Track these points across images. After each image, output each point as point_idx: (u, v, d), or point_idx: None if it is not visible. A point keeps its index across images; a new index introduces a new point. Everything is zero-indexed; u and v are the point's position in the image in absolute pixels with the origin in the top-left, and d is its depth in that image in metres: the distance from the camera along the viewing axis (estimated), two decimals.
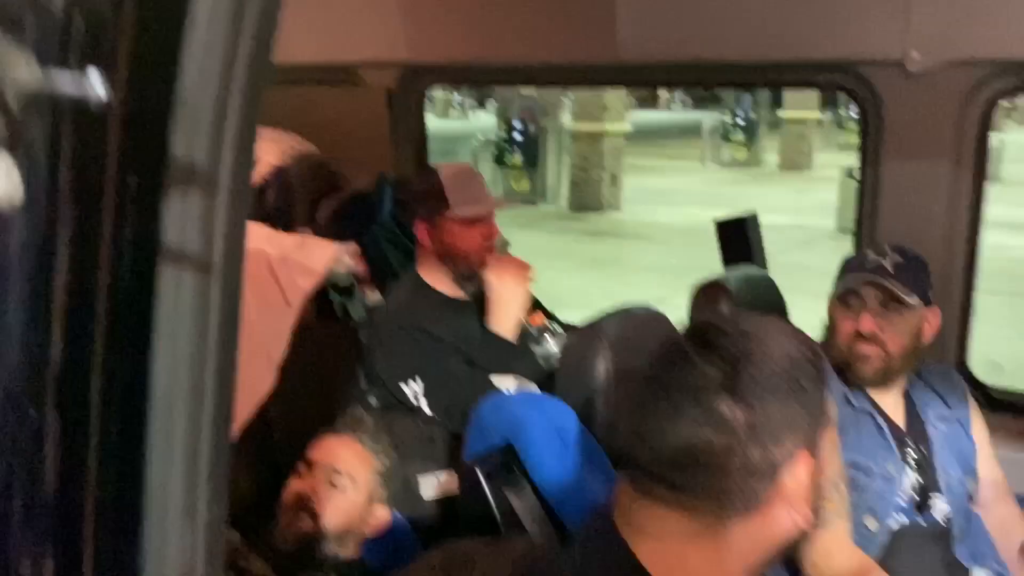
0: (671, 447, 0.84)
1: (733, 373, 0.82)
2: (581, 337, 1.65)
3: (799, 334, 0.91)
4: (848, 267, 1.75)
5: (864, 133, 2.01)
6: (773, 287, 1.95)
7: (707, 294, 1.82)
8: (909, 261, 1.69)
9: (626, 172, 13.63)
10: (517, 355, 2.02)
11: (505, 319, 2.02)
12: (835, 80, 1.98)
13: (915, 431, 1.75)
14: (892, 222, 1.96)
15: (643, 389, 0.88)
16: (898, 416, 1.75)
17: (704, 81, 2.86)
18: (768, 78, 2.12)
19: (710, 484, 0.83)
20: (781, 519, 0.86)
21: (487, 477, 1.32)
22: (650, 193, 14.47)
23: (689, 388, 0.84)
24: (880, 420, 1.71)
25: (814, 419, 0.86)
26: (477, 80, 2.99)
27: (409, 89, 2.61)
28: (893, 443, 1.69)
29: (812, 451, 0.86)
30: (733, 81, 2.81)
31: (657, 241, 10.78)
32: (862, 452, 1.67)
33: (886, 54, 1.81)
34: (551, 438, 1.38)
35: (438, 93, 32.03)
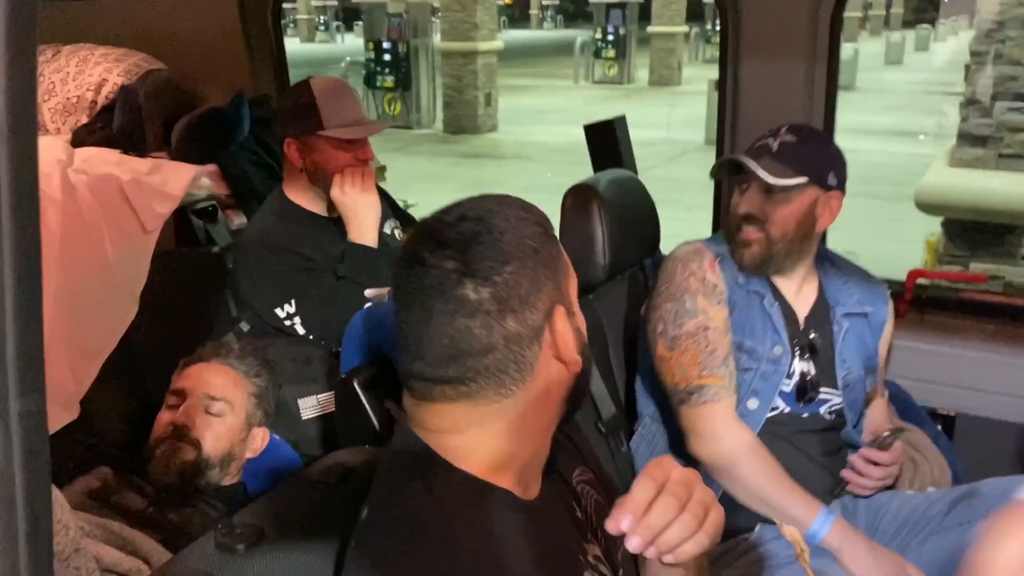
0: (436, 347, 0.87)
1: (466, 258, 0.86)
2: None
3: (518, 201, 0.94)
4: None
5: (723, 37, 2.04)
6: (640, 187, 1.98)
7: (577, 197, 1.82)
8: (804, 140, 1.63)
9: (501, 92, 13.52)
10: (382, 262, 1.99)
11: (362, 229, 1.97)
12: None
13: (817, 320, 1.71)
14: (751, 124, 2.01)
15: (395, 304, 0.91)
16: (801, 303, 1.72)
17: None
18: None
19: (483, 366, 0.87)
20: (557, 373, 0.91)
21: (364, 388, 1.30)
22: (526, 113, 14.44)
23: (432, 287, 0.86)
24: (770, 303, 1.68)
25: (554, 273, 0.91)
26: None
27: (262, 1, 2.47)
28: (783, 328, 1.67)
29: (563, 302, 0.91)
30: None
31: (536, 160, 10.81)
32: (748, 334, 1.66)
33: None
34: None
35: (302, 16, 30.75)
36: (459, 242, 0.87)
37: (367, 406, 1.28)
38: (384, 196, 2.21)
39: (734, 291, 1.68)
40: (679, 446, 1.68)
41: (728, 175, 1.76)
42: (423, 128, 13.37)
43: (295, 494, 1.11)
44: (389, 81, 13.10)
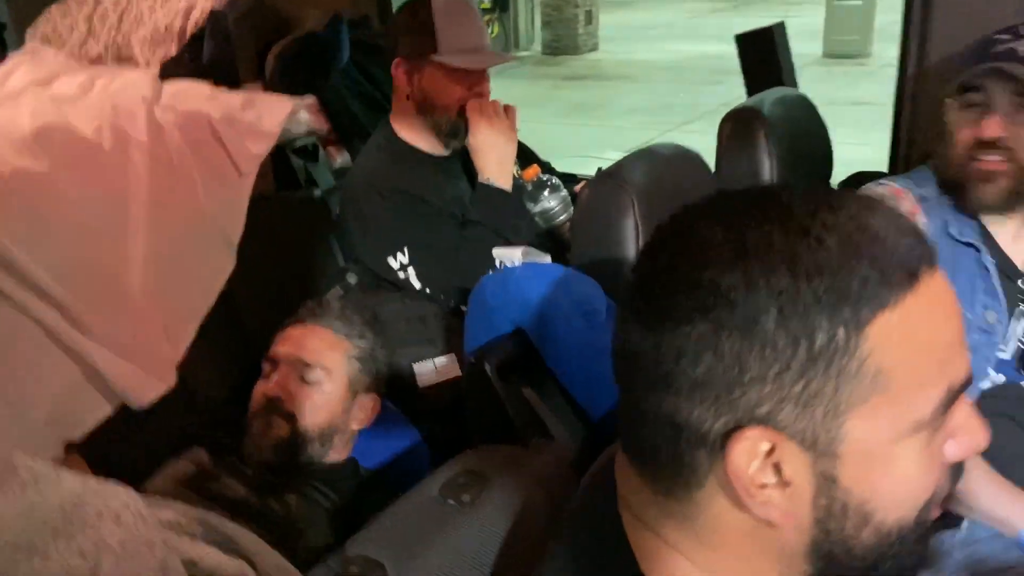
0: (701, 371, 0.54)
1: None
2: (598, 189, 1.34)
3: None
4: (967, 56, 1.33)
5: None
6: (811, 108, 1.64)
7: (739, 123, 1.51)
8: None
9: (601, 9, 12.91)
10: (519, 209, 1.75)
11: (498, 168, 1.73)
12: None
13: None
14: (950, 27, 1.62)
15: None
16: (1019, 250, 1.40)
17: None
18: None
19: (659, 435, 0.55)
20: (729, 519, 0.56)
21: (497, 372, 1.06)
22: (628, 30, 13.78)
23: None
24: (988, 257, 1.36)
25: (803, 372, 0.51)
26: None
27: None
28: (1000, 286, 1.36)
29: (752, 422, 0.52)
30: None
31: (640, 81, 10.29)
32: (958, 294, 1.35)
33: None
34: (574, 319, 1.11)
35: None
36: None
37: (502, 396, 1.04)
38: None
39: (941, 244, 1.35)
40: None
41: (958, 95, 1.37)
42: (521, 50, 12.91)
43: (421, 513, 0.90)
44: (486, 2, 12.65)
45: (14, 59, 2.17)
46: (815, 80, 8.60)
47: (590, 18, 12.41)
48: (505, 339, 1.14)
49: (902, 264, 0.52)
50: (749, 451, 0.52)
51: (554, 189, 1.86)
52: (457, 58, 1.69)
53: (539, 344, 1.10)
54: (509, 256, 1.52)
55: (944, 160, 1.37)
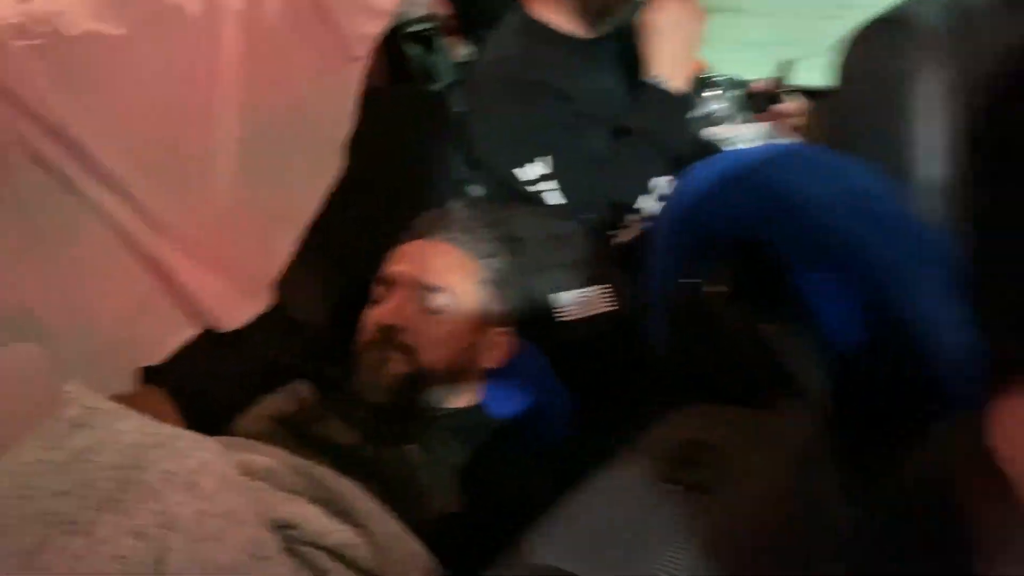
0: None
1: None
2: (874, 41, 0.94)
3: None
4: None
5: None
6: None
7: (882, 35, 1.10)
8: None
9: None
10: (690, 118, 1.43)
11: (672, 63, 1.40)
12: None
13: None
14: None
15: None
16: None
17: None
18: None
19: None
20: None
21: (724, 302, 0.74)
22: None
23: None
24: None
25: None
26: None
27: None
28: None
29: None
30: None
31: (752, 13, 9.63)
32: None
33: None
34: (851, 221, 0.76)
35: None
36: None
37: (724, 335, 0.73)
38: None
39: None
40: None
41: None
42: None
43: (630, 503, 0.60)
44: None
45: None
46: None
47: None
48: (724, 257, 0.81)
49: None
50: None
51: (722, 90, 1.52)
52: None
53: (790, 262, 0.77)
54: (725, 136, 1.19)
55: None
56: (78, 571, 0.57)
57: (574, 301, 1.31)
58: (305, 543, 0.93)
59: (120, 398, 1.17)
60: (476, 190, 1.52)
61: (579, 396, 1.27)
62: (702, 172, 0.88)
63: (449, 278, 1.18)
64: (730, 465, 0.61)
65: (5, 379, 0.76)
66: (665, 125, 1.40)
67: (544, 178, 1.40)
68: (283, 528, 0.93)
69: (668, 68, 1.41)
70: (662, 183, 1.40)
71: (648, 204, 1.41)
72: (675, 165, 1.38)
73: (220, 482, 0.64)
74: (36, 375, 0.78)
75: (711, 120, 1.56)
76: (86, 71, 1.15)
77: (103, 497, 0.59)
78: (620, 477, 0.65)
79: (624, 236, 1.44)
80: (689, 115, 1.45)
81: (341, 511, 0.97)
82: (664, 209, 0.94)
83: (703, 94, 1.57)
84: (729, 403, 0.70)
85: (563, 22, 1.49)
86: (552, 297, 1.32)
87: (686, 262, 0.82)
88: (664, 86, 1.41)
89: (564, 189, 1.40)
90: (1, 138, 1.08)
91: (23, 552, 0.57)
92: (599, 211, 1.42)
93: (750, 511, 0.59)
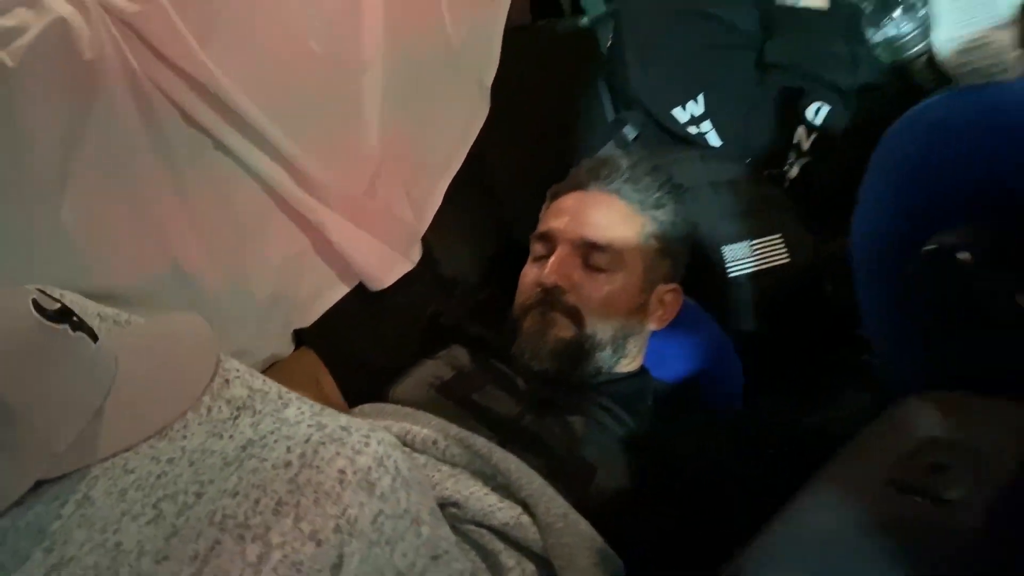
0: None
1: None
2: None
3: None
4: None
5: None
6: None
7: None
8: None
9: None
10: (847, 39, 1.26)
11: None
12: None
13: None
14: None
15: None
16: None
17: None
18: None
19: None
20: None
21: (977, 275, 0.62)
22: None
23: None
24: None
25: None
26: None
27: None
28: None
29: None
30: None
31: None
32: None
33: None
34: None
35: None
36: None
37: (976, 303, 0.61)
38: None
39: None
40: None
41: None
42: None
43: (858, 512, 0.51)
44: None
45: None
46: None
47: None
48: (970, 216, 0.68)
49: None
50: None
51: (908, 7, 1.33)
52: None
53: None
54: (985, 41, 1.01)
55: None
56: None
57: (745, 254, 1.20)
58: (470, 522, 0.88)
59: (276, 364, 1.15)
60: (630, 132, 1.41)
61: (753, 360, 1.16)
62: (937, 110, 0.74)
63: (615, 233, 1.08)
64: (985, 470, 0.50)
65: (170, 349, 0.73)
66: (807, 54, 1.23)
67: (699, 119, 1.28)
68: (447, 506, 0.88)
69: None
70: (816, 112, 1.24)
71: (804, 138, 1.27)
72: (834, 89, 1.23)
73: (395, 479, 0.59)
74: (200, 346, 0.74)
75: (895, 44, 1.38)
76: (230, 21, 1.10)
77: (277, 501, 0.54)
78: (847, 486, 0.56)
79: (790, 175, 1.31)
80: (838, 33, 1.26)
81: (505, 487, 0.91)
82: (880, 155, 0.80)
83: (890, 12, 1.38)
84: (979, 393, 0.58)
85: None
86: (722, 250, 1.21)
87: (917, 222, 0.70)
88: (800, 4, 1.24)
89: (720, 129, 1.28)
90: (148, 95, 1.05)
91: (197, 557, 0.53)
92: (759, 151, 1.28)
93: (1010, 532, 0.49)
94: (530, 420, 1.00)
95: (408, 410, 0.99)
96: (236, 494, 0.55)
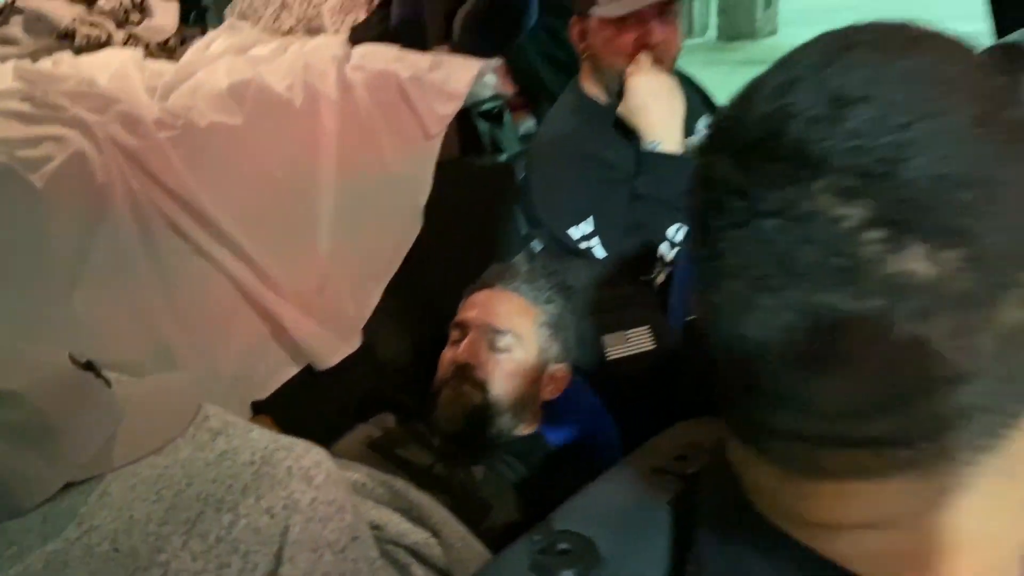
0: (842, 389, 0.41)
1: (885, 189, 0.38)
2: None
3: (934, 36, 0.43)
4: None
5: None
6: None
7: (1002, 59, 1.28)
8: None
9: None
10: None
11: (654, 128, 1.57)
12: None
13: None
14: None
15: (724, 299, 0.43)
16: None
17: None
18: None
19: (951, 407, 0.40)
20: None
21: None
22: (810, 12, 13.06)
23: (815, 266, 0.39)
24: None
25: None
26: None
27: None
28: None
29: None
30: None
31: None
32: None
33: None
34: None
35: None
36: (858, 156, 0.39)
37: None
38: (690, 84, 1.80)
39: None
40: None
41: None
42: (695, 37, 12.55)
43: (632, 486, 0.77)
44: None
45: (213, 32, 2.21)
46: None
47: (769, 2, 11.85)
48: None
49: None
50: None
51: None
52: (609, 6, 1.57)
53: None
54: None
55: None
56: (226, 538, 0.78)
57: (619, 341, 1.49)
58: (388, 542, 1.12)
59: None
60: (537, 245, 1.71)
61: (625, 425, 1.43)
62: None
63: (513, 322, 1.37)
64: (705, 456, 0.78)
65: (165, 394, 0.98)
66: (666, 186, 1.54)
67: (589, 236, 1.59)
68: (372, 529, 1.12)
69: (660, 133, 1.57)
70: (676, 231, 1.55)
71: (667, 251, 1.57)
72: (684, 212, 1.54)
73: (327, 477, 0.84)
74: (186, 393, 1.00)
75: None
76: (212, 155, 1.40)
77: (243, 485, 0.80)
78: (629, 469, 0.83)
79: (657, 280, 1.61)
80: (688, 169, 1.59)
81: (418, 518, 1.15)
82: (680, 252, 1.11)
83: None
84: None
85: (601, 95, 1.68)
86: (601, 338, 1.49)
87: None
88: (660, 149, 1.57)
89: (605, 244, 1.58)
90: (145, 211, 1.33)
91: (188, 521, 0.78)
92: (634, 262, 1.59)
93: None
94: (440, 468, 1.25)
95: (345, 461, 1.23)
96: (215, 481, 0.80)
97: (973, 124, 0.39)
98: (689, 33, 12.49)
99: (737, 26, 11.88)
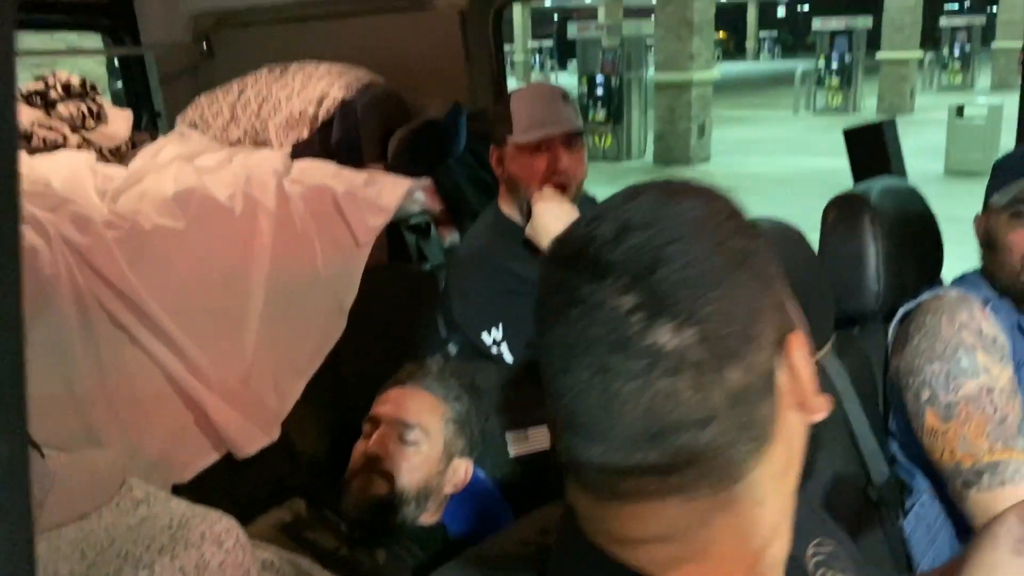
0: (625, 424, 0.57)
1: (650, 288, 0.56)
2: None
3: (699, 190, 0.64)
4: (1008, 170, 1.43)
5: None
6: (921, 200, 1.63)
7: (843, 209, 1.51)
8: None
9: (715, 123, 13.08)
10: None
11: None
12: None
13: None
14: None
15: (544, 363, 0.61)
16: None
17: None
18: None
19: (700, 443, 0.57)
20: (797, 427, 0.63)
21: None
22: (741, 143, 13.88)
23: (604, 338, 0.57)
24: None
25: (769, 283, 0.61)
26: None
27: (483, 7, 2.35)
28: None
29: (793, 326, 0.63)
30: None
31: (751, 191, 10.28)
32: None
33: None
34: None
35: (518, 57, 31.72)
36: (632, 264, 0.57)
37: None
38: (593, 205, 2.01)
39: (1016, 344, 1.40)
40: (964, 535, 1.37)
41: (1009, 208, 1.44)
42: (633, 160, 13.18)
43: (505, 552, 0.90)
44: (600, 115, 13.05)
45: (163, 139, 2.38)
46: (935, 196, 8.38)
47: (703, 131, 12.58)
48: None
49: None
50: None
51: None
52: (522, 136, 1.79)
53: None
54: None
55: (1001, 268, 1.45)
56: None
57: (521, 439, 1.62)
58: None
59: None
60: (453, 348, 1.86)
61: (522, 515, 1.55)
62: None
63: (422, 417, 1.50)
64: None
65: (92, 469, 1.09)
66: None
67: (499, 342, 1.74)
68: None
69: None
70: None
71: None
72: None
73: (239, 546, 0.95)
74: (113, 466, 1.10)
75: None
76: (154, 255, 1.54)
77: (160, 545, 0.90)
78: (506, 537, 0.96)
79: None
80: None
81: None
82: None
83: None
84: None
85: (515, 215, 1.87)
86: (506, 435, 1.63)
87: None
88: None
89: (512, 350, 1.74)
90: (86, 303, 1.45)
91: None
92: (538, 366, 1.74)
93: None
94: (345, 551, 1.35)
95: (255, 541, 1.33)
96: (135, 541, 0.91)
97: (711, 248, 0.58)
98: (628, 157, 13.14)
99: (672, 152, 12.56)
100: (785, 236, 1.24)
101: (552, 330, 0.60)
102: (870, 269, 1.47)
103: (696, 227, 0.59)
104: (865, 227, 1.47)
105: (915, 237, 1.56)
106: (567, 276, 0.60)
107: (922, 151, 10.83)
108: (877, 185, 1.58)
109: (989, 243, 1.46)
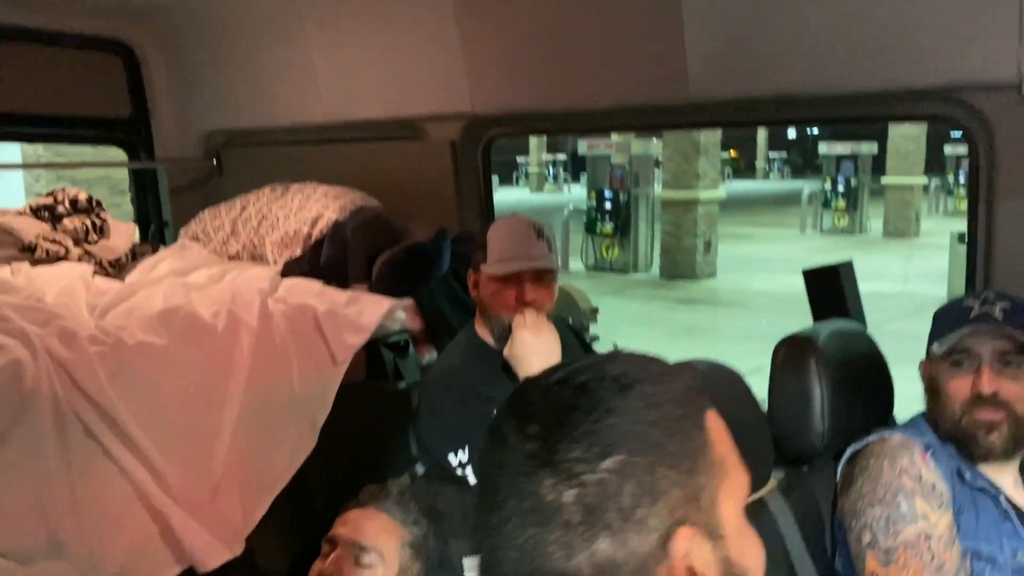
0: (504, 559, 0.64)
1: (548, 440, 0.62)
2: None
3: (668, 369, 0.68)
4: (947, 320, 1.49)
5: (973, 170, 1.76)
6: (870, 343, 1.70)
7: (791, 350, 1.58)
8: (1018, 306, 1.44)
9: (721, 240, 13.29)
10: None
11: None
12: (938, 110, 1.75)
13: None
14: (1009, 275, 1.69)
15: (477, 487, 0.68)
16: (1019, 496, 1.47)
17: (787, 117, 2.65)
18: (860, 111, 1.90)
19: None
20: None
21: None
22: (746, 261, 14.05)
23: (507, 476, 0.64)
24: (1003, 500, 1.43)
25: (690, 476, 0.63)
26: (542, 128, 2.87)
27: (473, 140, 2.50)
28: (1020, 527, 1.42)
29: (698, 521, 0.63)
30: (819, 116, 2.59)
31: (753, 308, 10.37)
32: (984, 538, 1.40)
33: (997, 77, 1.58)
34: None
35: (533, 169, 32.57)
36: (547, 415, 0.64)
37: None
38: (566, 327, 2.08)
39: (958, 490, 1.43)
40: None
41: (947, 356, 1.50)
42: (639, 273, 13.37)
43: None
44: (608, 227, 13.34)
45: (164, 251, 2.49)
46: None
47: (708, 247, 12.79)
48: None
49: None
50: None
51: None
52: (492, 268, 1.88)
53: None
54: None
55: (942, 415, 1.49)
56: None
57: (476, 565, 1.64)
58: None
59: None
60: (420, 468, 1.90)
61: None
62: None
63: (379, 540, 1.53)
64: None
65: None
66: None
67: (464, 465, 1.79)
68: None
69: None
70: None
71: None
72: None
73: None
74: None
75: None
76: (134, 370, 1.61)
77: None
78: None
79: None
80: None
81: None
82: None
83: None
84: None
85: (489, 338, 1.94)
86: (462, 560, 1.65)
87: None
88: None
89: (476, 473, 1.78)
90: (64, 414, 1.52)
91: None
92: None
93: None
94: None
95: None
96: None
97: (631, 425, 0.62)
98: (634, 269, 13.34)
99: (678, 267, 12.75)
100: (722, 377, 1.31)
101: (483, 456, 0.68)
102: (815, 409, 1.53)
103: (629, 401, 0.62)
104: (811, 369, 1.54)
105: (862, 379, 1.62)
106: (504, 410, 0.68)
107: (927, 276, 10.95)
108: (826, 328, 1.65)
109: (932, 389, 1.51)
